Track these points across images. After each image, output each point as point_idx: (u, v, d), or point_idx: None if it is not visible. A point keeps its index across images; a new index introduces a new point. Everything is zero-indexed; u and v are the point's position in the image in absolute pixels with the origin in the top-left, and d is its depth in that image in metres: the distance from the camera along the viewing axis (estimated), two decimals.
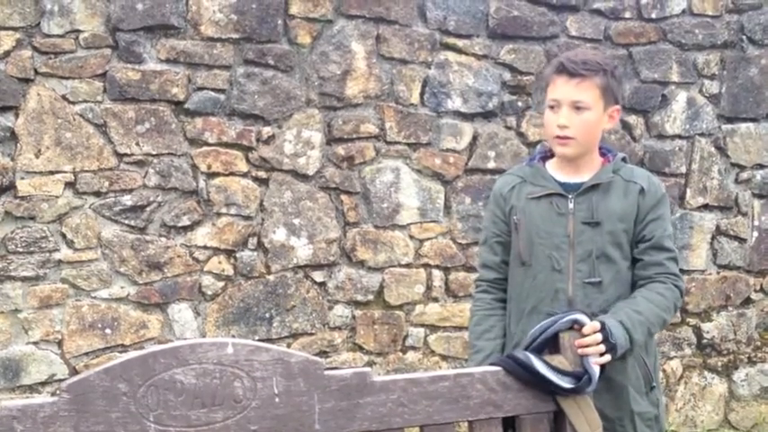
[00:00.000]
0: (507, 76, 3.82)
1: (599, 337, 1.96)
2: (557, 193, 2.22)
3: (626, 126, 4.02)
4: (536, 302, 2.22)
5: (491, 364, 1.85)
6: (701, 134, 4.12)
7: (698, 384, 4.17)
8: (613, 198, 2.20)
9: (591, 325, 1.96)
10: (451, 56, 3.74)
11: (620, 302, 2.14)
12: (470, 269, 3.78)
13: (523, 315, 2.24)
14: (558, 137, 2.18)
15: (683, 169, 4.10)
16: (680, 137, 4.09)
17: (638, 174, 2.26)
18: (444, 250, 3.76)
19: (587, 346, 1.94)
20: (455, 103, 3.75)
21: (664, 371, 4.10)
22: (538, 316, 2.18)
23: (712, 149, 4.14)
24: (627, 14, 3.98)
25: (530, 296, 2.23)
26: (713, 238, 4.16)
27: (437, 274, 3.75)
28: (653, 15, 4.01)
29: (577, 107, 2.16)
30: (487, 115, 3.81)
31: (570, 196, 2.20)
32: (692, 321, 4.16)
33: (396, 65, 3.68)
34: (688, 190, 4.11)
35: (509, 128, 3.84)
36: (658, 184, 2.28)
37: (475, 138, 3.80)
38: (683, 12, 4.05)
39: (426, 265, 3.74)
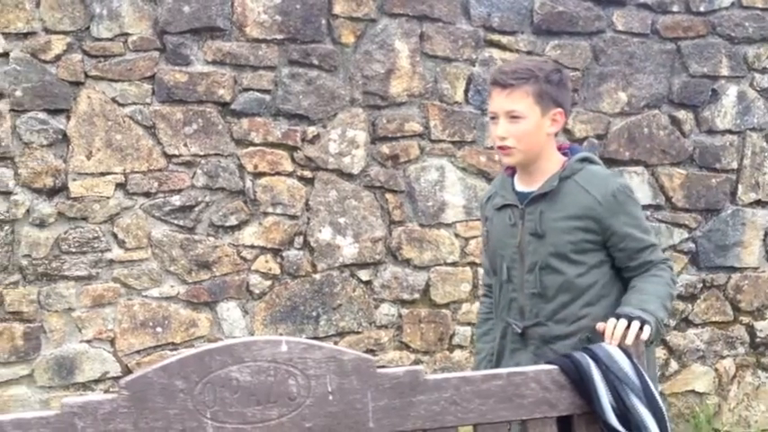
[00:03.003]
0: None
1: (621, 321, 1.94)
2: (512, 204, 2.23)
3: (675, 122, 3.96)
4: (500, 310, 2.30)
5: (548, 363, 1.84)
6: (753, 129, 4.04)
7: (751, 384, 4.09)
8: (560, 208, 2.15)
9: (606, 324, 1.97)
10: (496, 53, 3.72)
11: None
12: None
13: (497, 320, 2.32)
14: (500, 147, 2.19)
15: (735, 165, 4.02)
16: (730, 132, 4.01)
17: (596, 181, 2.15)
18: None
19: (616, 335, 1.92)
20: None
21: (716, 370, 4.04)
22: (501, 323, 2.28)
23: (764, 144, 4.06)
24: (674, 8, 3.92)
25: (498, 303, 2.31)
26: (766, 234, 4.07)
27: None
28: (701, 8, 3.94)
29: (512, 117, 2.14)
30: None
31: (521, 207, 2.20)
32: (745, 320, 4.07)
33: (439, 63, 3.67)
34: (740, 186, 4.03)
35: None
36: (616, 189, 2.15)
37: None
38: (732, 4, 3.98)
39: (472, 264, 3.72)
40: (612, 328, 1.92)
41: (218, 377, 1.62)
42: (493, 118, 2.20)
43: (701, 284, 4.03)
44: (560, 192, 2.15)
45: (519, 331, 2.21)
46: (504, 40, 3.73)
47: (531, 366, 1.83)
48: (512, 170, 2.28)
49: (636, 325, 1.92)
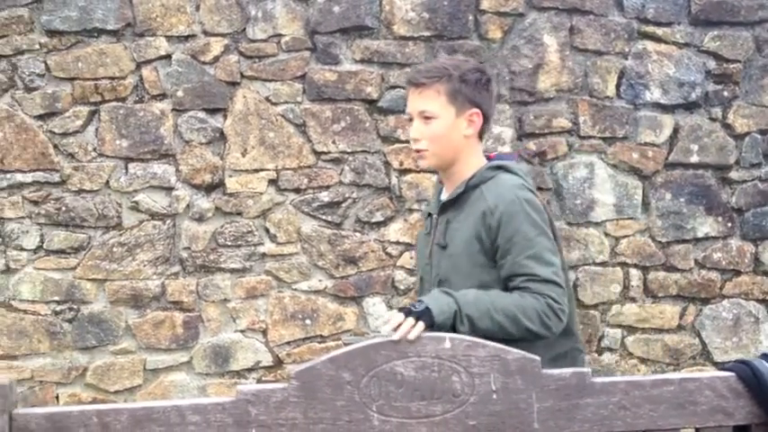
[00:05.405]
0: (712, 64, 3.60)
1: (397, 315, 1.78)
2: (431, 212, 2.13)
3: None
4: None
5: (722, 369, 1.74)
6: None
7: None
8: (463, 218, 2.01)
9: (391, 313, 1.82)
10: (650, 45, 3.58)
11: None
12: (671, 269, 3.60)
13: None
14: (415, 150, 2.09)
15: None
16: None
17: (495, 189, 1.98)
18: (642, 248, 3.60)
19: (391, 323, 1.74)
20: (654, 94, 3.58)
21: None
22: None
23: None
24: None
25: None
26: None
27: (635, 273, 3.59)
28: None
29: (425, 117, 2.04)
30: (690, 106, 3.61)
31: (435, 216, 2.09)
32: None
33: (590, 56, 3.57)
34: None
35: (714, 119, 3.62)
36: (511, 199, 1.95)
37: (676, 130, 3.61)
38: None
39: (623, 264, 3.59)
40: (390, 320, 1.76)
41: (383, 371, 1.63)
42: (410, 119, 2.10)
43: None
44: (467, 201, 2.03)
45: None
46: (660, 31, 3.58)
47: (705, 373, 1.75)
48: None
49: (408, 322, 1.73)
